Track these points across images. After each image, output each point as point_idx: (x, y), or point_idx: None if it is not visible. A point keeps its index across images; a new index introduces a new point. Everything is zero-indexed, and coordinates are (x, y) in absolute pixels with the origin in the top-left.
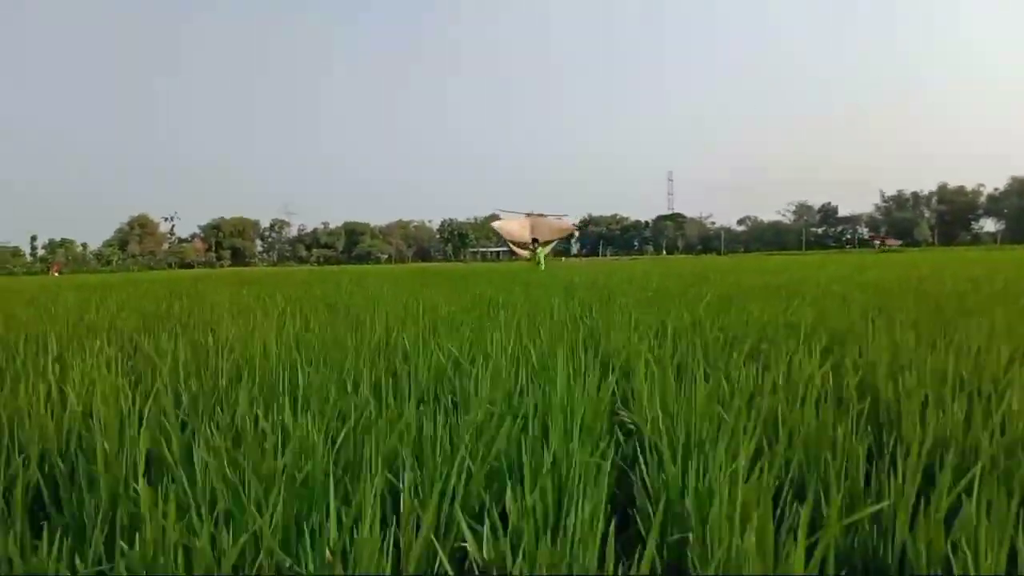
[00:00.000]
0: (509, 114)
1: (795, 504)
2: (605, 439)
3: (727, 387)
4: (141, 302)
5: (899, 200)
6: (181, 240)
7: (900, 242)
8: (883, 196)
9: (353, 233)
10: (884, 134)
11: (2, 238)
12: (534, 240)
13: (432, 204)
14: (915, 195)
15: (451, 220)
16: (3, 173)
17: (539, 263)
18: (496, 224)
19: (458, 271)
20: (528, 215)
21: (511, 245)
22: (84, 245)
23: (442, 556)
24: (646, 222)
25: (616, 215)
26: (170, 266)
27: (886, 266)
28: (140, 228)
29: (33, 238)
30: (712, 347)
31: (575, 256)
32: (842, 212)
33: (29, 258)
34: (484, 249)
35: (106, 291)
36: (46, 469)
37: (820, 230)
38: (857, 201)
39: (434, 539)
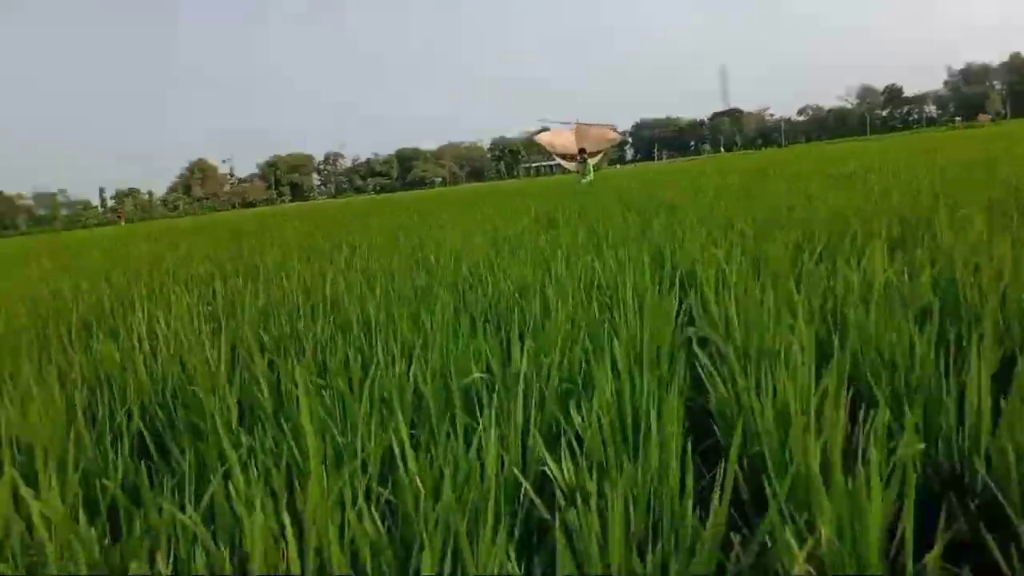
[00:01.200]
0: (554, 25)
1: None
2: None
3: (797, 292)
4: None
5: (967, 74)
6: (241, 180)
7: (991, 117)
8: (950, 72)
9: (406, 159)
10: (949, 5)
11: (73, 192)
12: (581, 151)
13: (482, 126)
14: (985, 67)
15: (502, 138)
16: (70, 130)
17: (588, 175)
18: (540, 137)
19: (512, 188)
20: (574, 125)
21: (558, 158)
22: (150, 193)
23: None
24: (701, 120)
25: (669, 117)
26: (233, 206)
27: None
28: (200, 172)
29: (102, 190)
30: (777, 255)
31: (629, 162)
32: (908, 92)
33: (100, 209)
34: (537, 164)
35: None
36: (147, 420)
37: (885, 112)
38: (923, 80)
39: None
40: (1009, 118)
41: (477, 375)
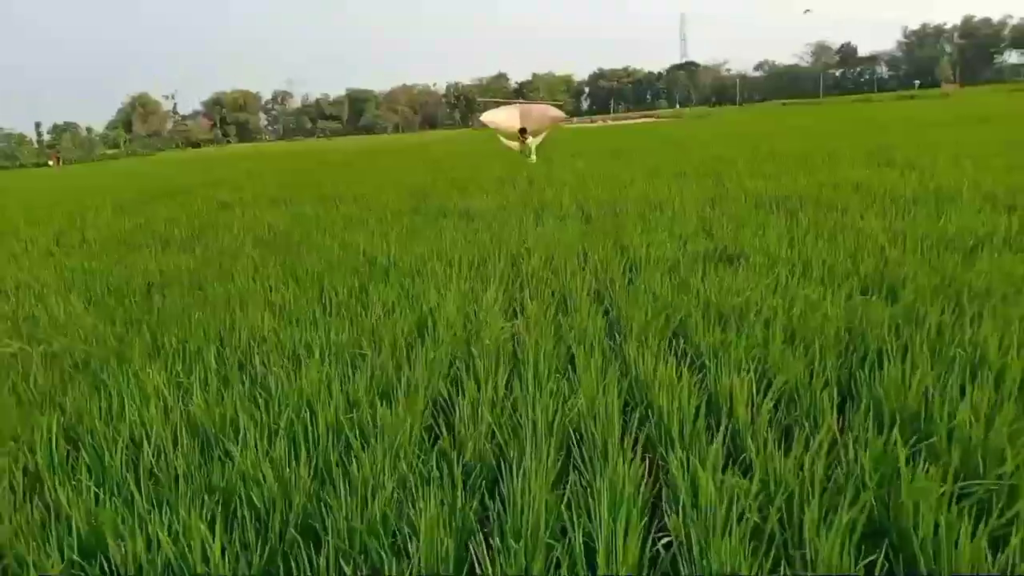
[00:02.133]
0: None
1: None
2: None
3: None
4: None
5: (921, 36)
6: (184, 117)
7: (956, 85)
8: (905, 32)
9: (357, 102)
10: None
11: (7, 124)
12: (522, 130)
13: (436, 66)
14: (938, 29)
15: (456, 84)
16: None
17: (530, 155)
18: (484, 117)
19: (467, 162)
20: (518, 102)
21: (499, 137)
22: (89, 129)
23: None
24: (659, 73)
25: (627, 67)
26: (177, 146)
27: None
28: (142, 108)
29: (38, 125)
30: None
31: (585, 115)
32: (862, 51)
33: (35, 145)
34: None
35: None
36: None
37: (838, 72)
38: (879, 39)
39: None
40: (957, 83)
41: None
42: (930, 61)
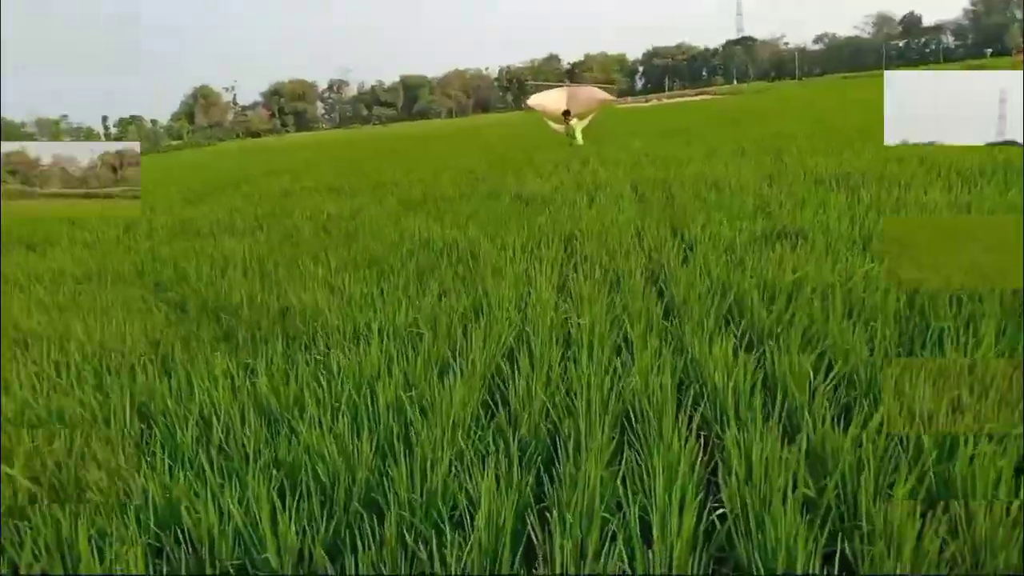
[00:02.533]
0: None
1: None
2: None
3: None
4: None
5: (989, 3)
6: (244, 108)
7: None
8: None
9: (410, 88)
10: None
11: (76, 119)
12: (565, 112)
13: (488, 49)
14: None
15: (508, 67)
16: (73, 52)
17: (575, 139)
18: (531, 101)
19: (516, 153)
20: (566, 85)
21: (545, 120)
22: (153, 121)
23: None
24: (714, 49)
25: (682, 44)
26: (238, 136)
27: None
28: (204, 99)
29: (104, 118)
30: None
31: (639, 95)
32: (926, 21)
33: (103, 139)
34: None
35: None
36: None
37: (902, 43)
38: (943, 8)
39: None
40: None
41: None
42: (999, 28)
